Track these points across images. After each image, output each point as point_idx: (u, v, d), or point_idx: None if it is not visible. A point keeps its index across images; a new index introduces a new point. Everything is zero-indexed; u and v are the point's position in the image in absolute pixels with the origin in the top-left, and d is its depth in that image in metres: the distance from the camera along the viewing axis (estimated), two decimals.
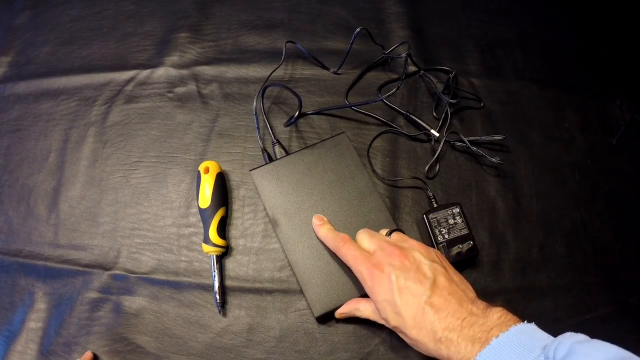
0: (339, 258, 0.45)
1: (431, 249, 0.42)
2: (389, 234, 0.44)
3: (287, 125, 0.55)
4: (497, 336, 0.32)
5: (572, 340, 0.31)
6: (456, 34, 0.62)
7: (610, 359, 0.29)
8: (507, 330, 0.33)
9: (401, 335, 0.39)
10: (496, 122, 0.56)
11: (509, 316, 0.35)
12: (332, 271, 0.46)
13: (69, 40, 0.63)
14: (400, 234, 0.44)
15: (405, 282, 0.37)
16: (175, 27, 0.62)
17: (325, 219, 0.47)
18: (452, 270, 0.40)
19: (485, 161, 0.53)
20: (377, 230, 0.45)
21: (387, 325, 0.40)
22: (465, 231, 0.47)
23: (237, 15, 0.63)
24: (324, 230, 0.46)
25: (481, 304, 0.36)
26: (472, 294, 0.38)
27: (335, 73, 0.59)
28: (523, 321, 0.34)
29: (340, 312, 0.45)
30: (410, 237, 0.43)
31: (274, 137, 0.53)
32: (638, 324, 0.48)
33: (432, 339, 0.35)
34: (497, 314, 0.35)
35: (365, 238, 0.43)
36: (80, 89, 0.59)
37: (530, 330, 0.33)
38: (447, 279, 0.38)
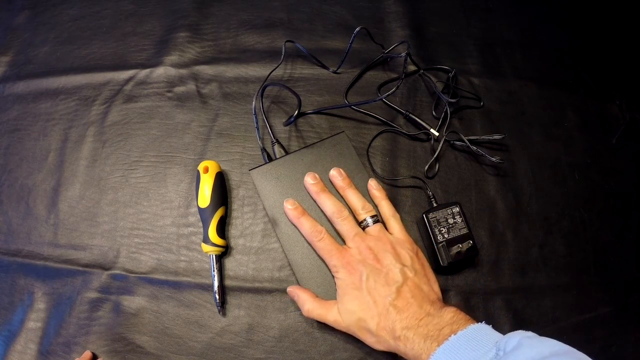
0: None
1: (405, 248, 0.44)
2: (373, 220, 0.46)
3: (286, 124, 0.54)
4: (456, 333, 0.35)
5: (521, 335, 0.34)
6: (456, 33, 0.62)
7: (555, 351, 0.32)
8: (465, 328, 0.36)
9: (360, 333, 0.41)
10: (496, 121, 0.56)
11: (461, 315, 0.38)
12: None
13: (68, 40, 0.63)
14: (379, 229, 0.45)
15: (375, 284, 0.41)
16: (175, 27, 0.62)
17: (298, 205, 0.47)
18: (422, 272, 0.43)
19: (484, 160, 0.53)
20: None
21: (341, 324, 0.42)
22: (465, 231, 0.47)
23: (237, 15, 0.63)
24: (303, 221, 0.46)
25: (439, 305, 0.40)
26: (434, 295, 0.42)
27: (335, 72, 0.58)
28: (476, 321, 0.37)
29: (309, 311, 0.43)
30: (397, 227, 0.46)
31: (274, 136, 0.53)
32: (638, 324, 0.48)
33: (391, 337, 0.39)
34: (450, 313, 0.38)
35: (347, 223, 0.45)
36: (80, 88, 0.59)
37: (486, 329, 0.36)
38: (413, 284, 0.41)
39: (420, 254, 0.45)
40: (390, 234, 0.46)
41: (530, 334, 0.35)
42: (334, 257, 0.43)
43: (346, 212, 0.46)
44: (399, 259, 0.43)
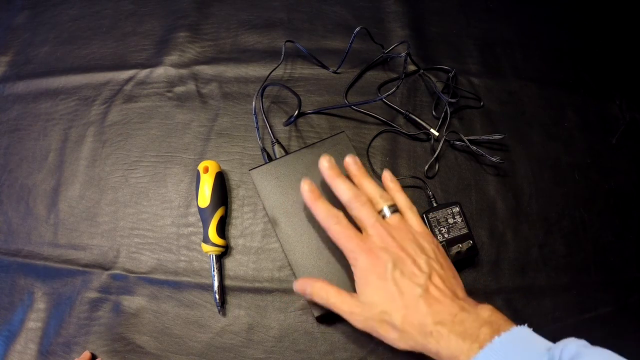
0: (339, 257, 0.45)
1: (427, 240, 0.40)
2: (391, 210, 0.41)
3: (286, 124, 0.54)
4: (499, 334, 0.32)
5: (578, 343, 0.32)
6: (456, 33, 0.62)
7: None
8: (509, 330, 0.33)
9: (380, 329, 0.37)
10: (496, 121, 0.56)
11: (499, 314, 0.35)
12: (332, 271, 0.45)
13: (68, 40, 0.63)
14: (399, 219, 0.41)
15: (401, 275, 0.37)
16: (175, 27, 0.62)
17: (315, 187, 0.42)
18: (446, 266, 0.40)
19: (484, 160, 0.53)
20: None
21: (357, 317, 0.38)
22: (464, 230, 0.47)
23: (237, 15, 0.63)
24: (319, 205, 0.42)
25: (471, 301, 0.37)
26: (462, 292, 0.38)
27: (335, 72, 0.58)
28: (513, 321, 0.35)
29: (327, 299, 0.40)
30: (415, 220, 0.42)
31: (274, 136, 0.53)
32: (638, 324, 0.48)
33: (420, 332, 0.35)
34: (487, 311, 0.35)
35: (366, 209, 0.40)
36: (80, 88, 0.59)
37: (530, 333, 0.34)
38: (440, 277, 0.38)
39: (441, 249, 0.41)
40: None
41: (583, 342, 0.32)
42: (353, 241, 0.39)
43: (364, 198, 0.41)
44: (423, 250, 0.39)
